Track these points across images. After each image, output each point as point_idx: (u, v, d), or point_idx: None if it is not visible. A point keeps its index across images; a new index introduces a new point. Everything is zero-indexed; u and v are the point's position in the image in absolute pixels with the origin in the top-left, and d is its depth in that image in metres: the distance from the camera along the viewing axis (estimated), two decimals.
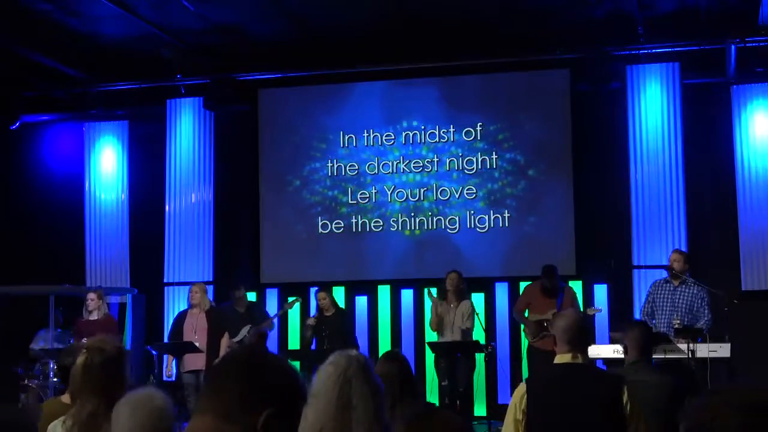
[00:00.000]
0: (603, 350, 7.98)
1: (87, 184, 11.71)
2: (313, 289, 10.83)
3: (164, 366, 9.72)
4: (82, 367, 3.40)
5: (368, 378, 2.56)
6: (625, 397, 3.83)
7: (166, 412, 2.76)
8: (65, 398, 3.86)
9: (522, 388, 3.99)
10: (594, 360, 8.03)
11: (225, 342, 9.30)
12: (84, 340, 8.98)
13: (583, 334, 4.04)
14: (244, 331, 9.40)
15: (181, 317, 9.54)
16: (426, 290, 9.42)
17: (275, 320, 9.96)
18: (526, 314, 9.18)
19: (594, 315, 9.54)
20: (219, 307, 9.77)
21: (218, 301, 10.12)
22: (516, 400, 3.95)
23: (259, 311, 9.98)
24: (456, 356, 8.86)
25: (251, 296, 10.77)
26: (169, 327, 9.91)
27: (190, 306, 9.51)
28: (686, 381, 7.71)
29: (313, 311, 10.55)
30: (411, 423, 2.33)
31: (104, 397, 3.30)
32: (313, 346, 9.47)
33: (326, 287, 9.69)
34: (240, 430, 1.75)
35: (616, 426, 3.80)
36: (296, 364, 10.60)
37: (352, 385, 2.51)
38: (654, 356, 7.76)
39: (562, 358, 3.98)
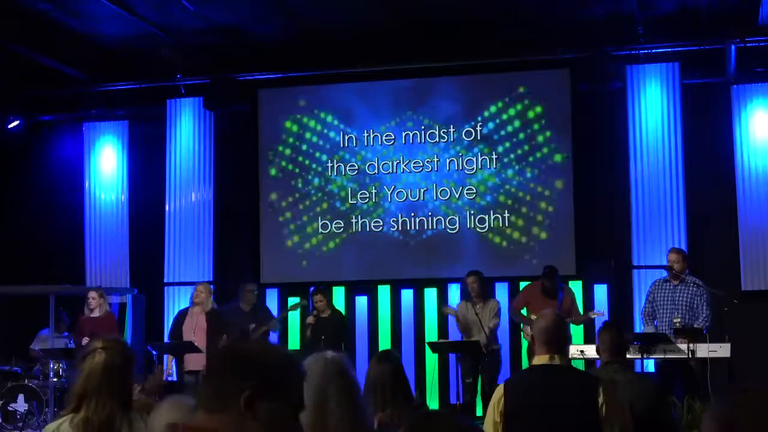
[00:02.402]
0: None
1: (87, 184, 11.71)
2: (313, 290, 10.86)
3: (164, 366, 9.71)
4: (103, 366, 3.33)
5: (344, 381, 2.53)
6: (601, 399, 3.84)
7: None
8: None
9: (500, 390, 4.04)
10: (593, 360, 8.04)
11: (224, 343, 9.29)
12: (85, 339, 9.03)
13: (560, 335, 4.05)
14: (248, 329, 9.38)
15: (181, 317, 9.53)
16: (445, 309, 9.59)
17: (278, 321, 9.93)
18: (524, 312, 9.17)
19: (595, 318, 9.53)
20: (220, 309, 9.76)
21: (219, 302, 10.11)
22: (494, 402, 3.99)
23: (264, 311, 9.94)
24: (482, 355, 8.78)
25: None
26: (169, 326, 9.90)
27: (192, 305, 9.50)
28: (686, 381, 7.73)
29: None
30: (412, 426, 2.32)
31: (119, 399, 3.29)
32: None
33: (322, 289, 9.66)
34: (230, 419, 1.75)
35: (593, 427, 3.82)
36: None
37: (328, 390, 2.49)
38: (654, 356, 7.80)
39: (539, 359, 4.01)
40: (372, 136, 10.97)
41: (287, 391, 1.83)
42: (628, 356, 7.22)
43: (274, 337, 10.54)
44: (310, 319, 9.43)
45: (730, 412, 1.41)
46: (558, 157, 10.50)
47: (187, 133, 11.33)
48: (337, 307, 9.82)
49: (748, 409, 1.39)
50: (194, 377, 9.13)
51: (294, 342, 10.75)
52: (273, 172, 11.18)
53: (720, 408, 1.43)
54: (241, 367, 1.80)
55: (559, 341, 4.01)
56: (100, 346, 3.40)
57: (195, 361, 9.09)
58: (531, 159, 10.58)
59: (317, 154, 11.10)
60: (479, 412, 8.95)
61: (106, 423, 3.26)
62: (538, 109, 10.60)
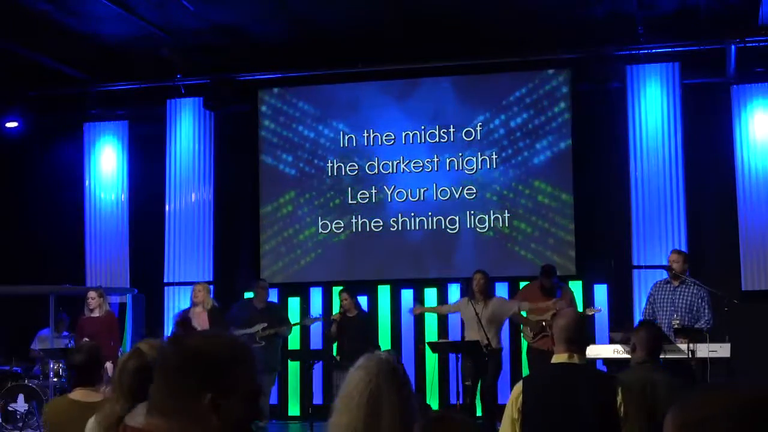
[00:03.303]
0: (603, 350, 7.97)
1: (87, 184, 11.71)
2: (313, 289, 10.89)
3: None
4: (133, 370, 3.33)
5: (398, 384, 2.56)
6: (619, 398, 3.83)
7: None
8: (74, 395, 3.89)
9: (518, 387, 4.02)
10: (594, 360, 8.04)
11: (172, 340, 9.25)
12: (85, 340, 9.03)
13: (580, 334, 4.03)
14: (257, 327, 9.38)
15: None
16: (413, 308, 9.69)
17: (291, 328, 9.88)
18: (524, 314, 9.16)
19: (594, 315, 9.55)
20: (233, 305, 9.76)
21: (218, 301, 10.10)
22: (512, 399, 3.98)
23: (278, 313, 9.83)
24: (482, 355, 8.73)
25: (250, 295, 10.78)
26: (171, 327, 9.87)
27: (193, 305, 9.49)
28: (686, 381, 7.72)
29: (314, 312, 10.56)
30: (424, 429, 2.34)
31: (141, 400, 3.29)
32: (318, 345, 9.48)
33: (348, 289, 9.63)
34: (190, 423, 1.69)
35: (610, 426, 3.81)
36: (296, 364, 10.66)
37: (382, 392, 2.51)
38: None
39: (558, 357, 4.00)
40: (372, 136, 10.97)
41: (244, 384, 1.75)
42: (627, 356, 7.21)
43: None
44: (335, 316, 9.40)
45: (695, 415, 1.34)
46: (558, 157, 10.50)
47: (187, 133, 11.33)
48: (363, 308, 9.76)
49: (714, 411, 1.32)
50: None
51: (294, 341, 10.75)
52: (272, 172, 11.17)
53: (683, 411, 1.35)
54: (199, 367, 1.71)
55: (578, 340, 4.00)
56: (137, 348, 3.41)
57: None
58: (530, 159, 10.58)
59: (317, 154, 11.10)
60: (479, 413, 8.97)
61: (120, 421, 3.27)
62: (538, 109, 10.59)
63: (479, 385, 8.78)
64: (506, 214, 10.56)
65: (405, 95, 10.96)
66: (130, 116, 11.70)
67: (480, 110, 10.76)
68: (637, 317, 9.43)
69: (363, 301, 10.74)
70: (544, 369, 4.64)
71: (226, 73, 10.95)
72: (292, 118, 11.20)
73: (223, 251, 11.27)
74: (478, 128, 10.73)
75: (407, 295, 10.75)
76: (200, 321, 9.30)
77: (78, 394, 3.85)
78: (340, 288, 9.86)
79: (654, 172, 10.05)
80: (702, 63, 10.05)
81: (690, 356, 7.49)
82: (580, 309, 9.35)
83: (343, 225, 10.93)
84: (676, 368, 7.75)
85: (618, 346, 7.80)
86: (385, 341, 10.64)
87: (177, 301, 10.93)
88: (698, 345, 7.54)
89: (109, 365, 8.14)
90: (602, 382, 4.03)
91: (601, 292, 10.24)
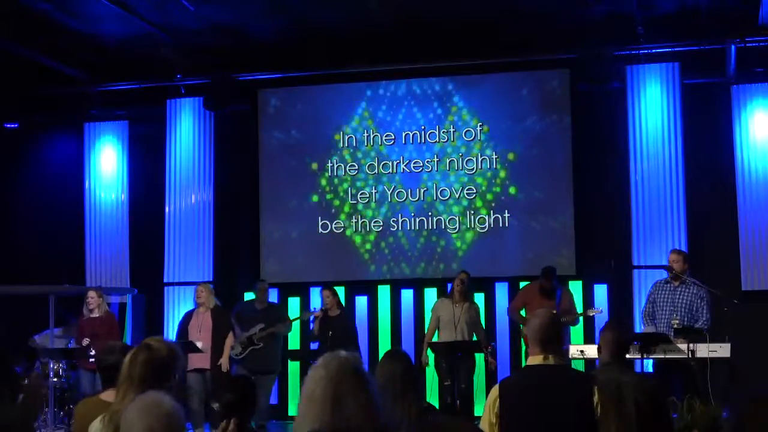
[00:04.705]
0: None
1: (87, 184, 11.71)
2: (313, 289, 10.87)
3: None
4: (143, 362, 3.48)
5: (358, 376, 2.62)
6: (595, 398, 3.83)
7: (176, 416, 2.77)
8: (105, 396, 3.90)
9: (495, 391, 4.01)
10: (593, 360, 8.04)
11: (229, 341, 9.30)
12: (86, 340, 9.04)
13: (554, 334, 4.01)
14: (255, 328, 9.38)
15: (188, 317, 9.51)
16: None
17: (289, 325, 9.86)
18: (523, 313, 9.18)
19: (594, 316, 9.55)
20: (237, 305, 9.77)
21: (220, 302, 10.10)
22: (490, 403, 3.97)
23: (277, 314, 9.79)
24: (457, 356, 8.82)
25: (250, 296, 10.79)
26: (176, 327, 9.84)
27: (197, 306, 9.48)
28: (686, 381, 7.72)
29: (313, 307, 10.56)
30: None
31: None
32: (314, 346, 9.50)
33: (331, 286, 9.66)
34: None
35: (588, 426, 3.81)
36: (296, 364, 10.66)
37: (343, 385, 2.56)
38: (654, 356, 7.80)
39: (534, 359, 3.99)
40: (372, 136, 10.97)
41: None
42: (628, 356, 7.20)
43: None
44: (318, 313, 9.41)
45: (730, 422, 1.38)
46: (557, 157, 10.50)
47: (187, 133, 11.34)
48: (346, 309, 9.76)
49: (747, 420, 1.34)
50: (197, 376, 9.12)
51: (294, 341, 10.75)
52: (272, 172, 11.17)
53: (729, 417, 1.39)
54: None
55: (552, 341, 3.98)
56: (146, 343, 3.57)
57: (198, 360, 9.08)
58: (530, 159, 10.58)
59: (317, 154, 11.10)
60: (476, 412, 8.97)
61: None
62: (538, 109, 10.60)
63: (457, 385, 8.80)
64: (506, 214, 10.56)
65: (405, 95, 10.96)
66: (130, 116, 11.71)
67: (480, 110, 10.76)
68: (638, 317, 9.45)
69: (363, 300, 10.79)
70: (520, 372, 4.64)
71: (226, 73, 10.94)
72: (292, 117, 11.20)
73: (223, 251, 11.27)
74: (478, 128, 10.73)
75: (407, 295, 10.75)
76: (203, 321, 9.30)
77: (109, 395, 3.86)
78: (320, 287, 9.82)
79: (654, 172, 10.05)
80: (702, 63, 10.05)
81: (690, 356, 7.49)
82: (580, 310, 9.38)
83: (343, 225, 10.93)
84: (675, 368, 7.77)
85: None
86: (385, 341, 10.65)
87: (177, 301, 10.93)
88: (698, 345, 7.54)
89: None
90: (579, 382, 4.02)
91: (601, 292, 10.24)
